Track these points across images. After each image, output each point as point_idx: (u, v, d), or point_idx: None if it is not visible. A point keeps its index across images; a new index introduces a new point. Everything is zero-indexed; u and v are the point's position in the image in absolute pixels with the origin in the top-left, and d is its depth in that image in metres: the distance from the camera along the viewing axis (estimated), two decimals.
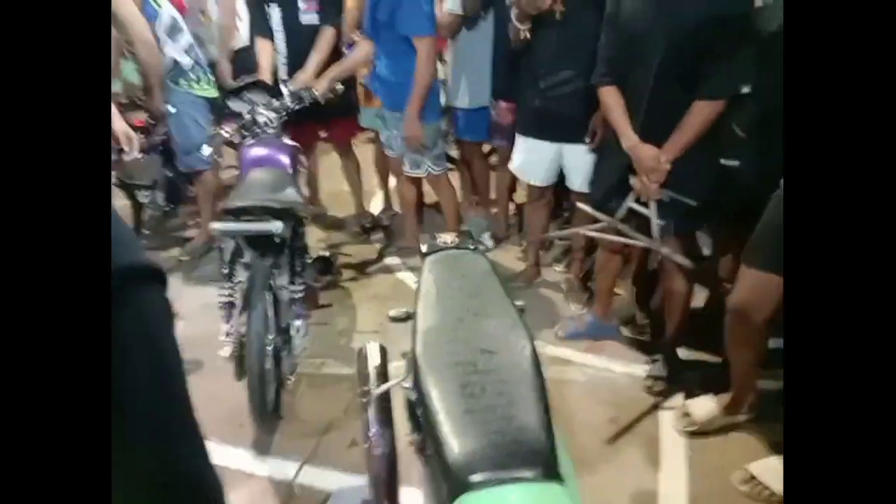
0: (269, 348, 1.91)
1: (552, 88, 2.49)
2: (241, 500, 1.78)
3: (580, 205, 2.34)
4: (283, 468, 1.90)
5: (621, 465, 1.96)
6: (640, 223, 2.11)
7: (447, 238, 1.22)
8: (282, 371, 2.05)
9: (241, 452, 1.95)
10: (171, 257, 3.17)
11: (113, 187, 3.05)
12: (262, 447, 1.98)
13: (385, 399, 1.21)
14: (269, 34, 2.92)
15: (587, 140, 2.49)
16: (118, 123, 2.38)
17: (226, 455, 1.93)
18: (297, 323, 2.15)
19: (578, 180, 2.58)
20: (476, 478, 0.82)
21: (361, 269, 3.14)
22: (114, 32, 2.50)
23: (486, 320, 1.05)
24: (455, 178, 3.68)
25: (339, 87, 2.71)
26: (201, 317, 2.24)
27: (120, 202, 3.24)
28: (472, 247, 1.23)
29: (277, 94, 2.52)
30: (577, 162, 2.56)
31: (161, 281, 0.46)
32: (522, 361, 1.00)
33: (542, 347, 2.48)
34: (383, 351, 1.27)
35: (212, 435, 2.00)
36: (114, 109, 2.38)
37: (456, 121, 3.23)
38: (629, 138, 2.03)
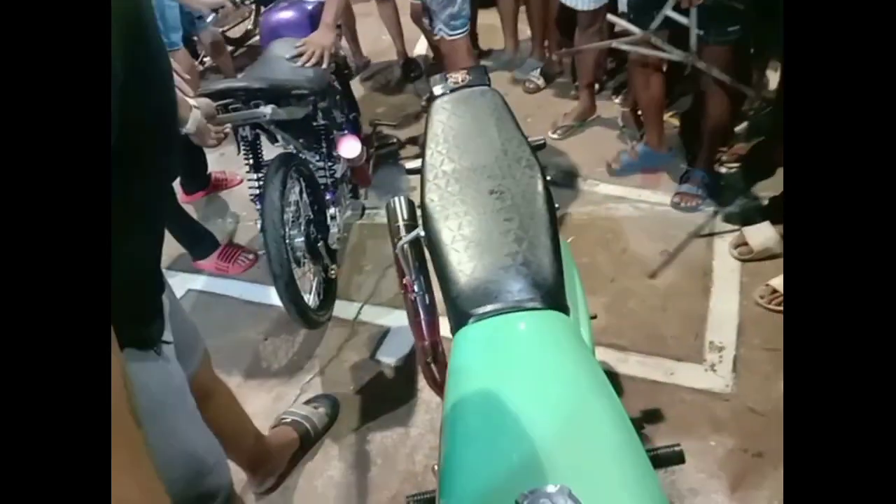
0: (300, 241, 1.80)
1: None
2: (309, 337, 1.99)
3: (611, 17, 2.19)
4: (347, 309, 2.07)
5: (672, 293, 1.99)
6: (677, 38, 2.03)
7: (457, 77, 1.16)
8: (323, 262, 1.94)
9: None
10: None
11: None
12: None
13: (415, 247, 1.24)
14: None
15: None
16: None
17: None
18: (332, 211, 2.02)
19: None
20: (478, 310, 0.86)
21: (406, 124, 3.08)
22: None
23: (496, 161, 1.03)
24: (493, 16, 3.43)
25: None
26: None
27: None
28: (487, 83, 1.17)
29: None
30: None
31: None
32: (532, 198, 0.99)
33: (594, 186, 2.48)
34: (410, 203, 1.29)
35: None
36: None
37: None
38: None
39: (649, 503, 0.60)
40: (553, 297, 0.88)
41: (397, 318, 1.98)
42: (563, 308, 0.88)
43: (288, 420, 1.63)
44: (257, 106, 1.73)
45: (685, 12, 1.92)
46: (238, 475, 1.39)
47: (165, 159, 0.64)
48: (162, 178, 0.66)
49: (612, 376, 1.72)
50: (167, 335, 0.80)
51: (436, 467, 0.99)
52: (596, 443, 0.64)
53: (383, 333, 1.96)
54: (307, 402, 1.72)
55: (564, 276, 0.93)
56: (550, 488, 0.55)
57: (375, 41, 3.61)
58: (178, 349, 0.86)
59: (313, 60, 1.98)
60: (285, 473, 1.58)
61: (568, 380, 0.73)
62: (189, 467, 0.83)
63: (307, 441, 1.62)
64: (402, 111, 3.17)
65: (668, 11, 1.96)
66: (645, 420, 1.62)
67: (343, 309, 2.08)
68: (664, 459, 0.95)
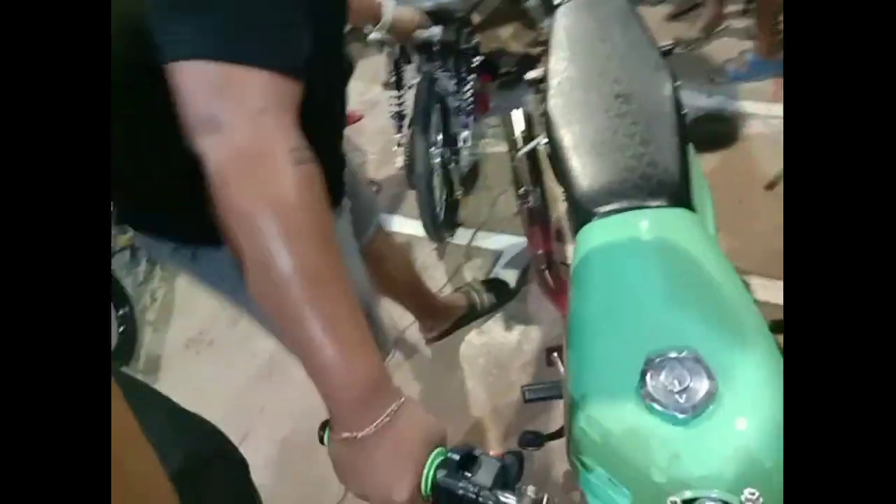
0: (437, 161, 1.90)
1: None
2: (429, 256, 2.10)
3: None
4: (461, 234, 2.15)
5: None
6: None
7: None
8: (452, 182, 2.08)
9: None
10: None
11: None
12: None
13: (531, 158, 1.27)
14: None
15: None
16: None
17: (415, 226, 2.22)
18: (465, 134, 2.09)
19: None
20: (602, 208, 0.88)
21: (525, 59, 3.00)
22: None
23: (622, 65, 1.02)
24: None
25: None
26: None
27: None
28: None
29: None
30: None
31: None
32: (659, 102, 0.98)
33: (721, 102, 2.33)
34: (528, 116, 1.31)
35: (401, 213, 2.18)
36: None
37: None
38: None
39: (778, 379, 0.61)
40: (679, 195, 0.87)
41: (508, 241, 2.03)
42: (689, 206, 0.88)
43: (463, 289, 1.83)
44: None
45: None
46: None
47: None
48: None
49: None
50: (345, 201, 1.01)
51: (554, 355, 1.05)
52: (725, 317, 0.65)
53: (497, 256, 2.02)
54: (483, 282, 1.87)
55: (692, 179, 0.92)
56: (678, 353, 0.59)
57: None
58: (356, 217, 1.06)
59: None
60: (450, 330, 1.76)
61: (695, 263, 0.74)
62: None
63: (472, 312, 1.79)
64: (515, 38, 3.11)
65: None
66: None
67: (458, 234, 2.16)
68: None
